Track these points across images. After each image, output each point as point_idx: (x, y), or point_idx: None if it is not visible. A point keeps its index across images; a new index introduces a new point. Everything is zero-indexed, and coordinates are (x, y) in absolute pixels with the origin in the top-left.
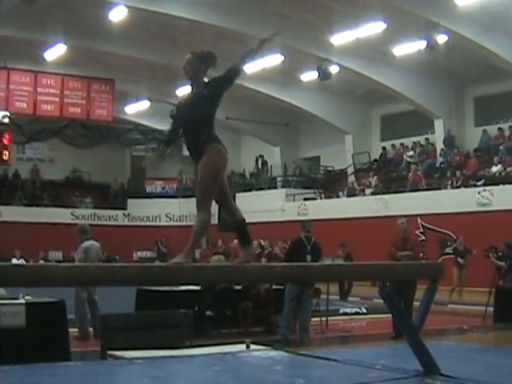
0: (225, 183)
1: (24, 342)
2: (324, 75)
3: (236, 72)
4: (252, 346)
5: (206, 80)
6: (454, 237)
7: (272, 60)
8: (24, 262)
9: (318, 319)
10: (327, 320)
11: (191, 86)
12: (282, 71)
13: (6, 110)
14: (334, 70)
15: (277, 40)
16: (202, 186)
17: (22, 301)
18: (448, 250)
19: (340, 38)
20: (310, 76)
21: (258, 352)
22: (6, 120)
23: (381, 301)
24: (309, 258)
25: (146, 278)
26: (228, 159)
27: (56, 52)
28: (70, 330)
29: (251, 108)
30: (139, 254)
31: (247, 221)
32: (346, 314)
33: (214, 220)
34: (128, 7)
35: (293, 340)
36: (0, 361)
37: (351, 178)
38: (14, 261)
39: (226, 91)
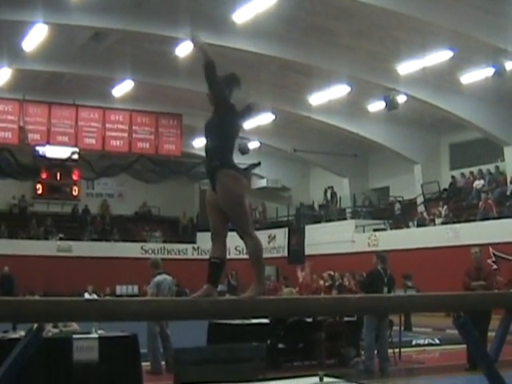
0: (230, 217)
1: (97, 377)
2: (391, 105)
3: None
4: (325, 379)
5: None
6: None
7: (339, 91)
8: (96, 297)
9: (391, 351)
10: (400, 351)
11: None
12: (349, 102)
13: (76, 146)
14: (401, 99)
15: (343, 71)
16: (233, 216)
17: (95, 335)
18: None
19: (407, 68)
20: (377, 106)
21: None
22: (76, 156)
23: (454, 331)
24: (385, 290)
25: (218, 312)
26: (244, 182)
27: (124, 88)
28: (143, 363)
29: (319, 139)
30: None
31: (317, 252)
32: (418, 345)
33: (284, 253)
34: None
35: (373, 371)
36: None
37: (421, 208)
38: (87, 295)
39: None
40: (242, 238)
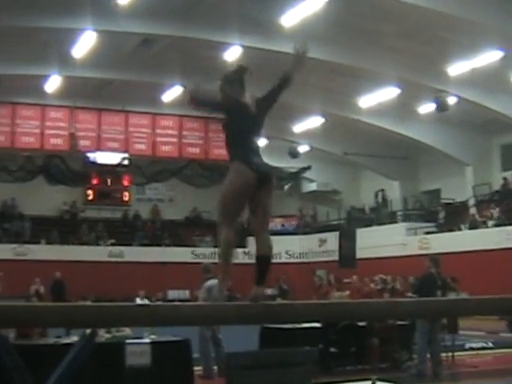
0: (264, 204)
1: (149, 381)
2: (441, 107)
3: (277, 93)
4: (378, 383)
5: (247, 99)
6: None
7: (388, 93)
8: (148, 302)
9: (444, 354)
10: (453, 355)
11: None
12: (399, 104)
13: (126, 152)
14: (451, 100)
15: (392, 73)
16: (219, 205)
17: (147, 340)
18: None
19: (456, 69)
20: (427, 108)
21: None
22: (126, 162)
23: (508, 335)
24: (439, 293)
25: (270, 316)
26: (249, 178)
27: (173, 94)
28: (195, 368)
29: (369, 142)
30: None
31: (368, 256)
32: (472, 348)
33: (335, 256)
34: (243, 46)
35: (427, 375)
36: None
37: (472, 210)
38: (138, 301)
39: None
40: (218, 228)
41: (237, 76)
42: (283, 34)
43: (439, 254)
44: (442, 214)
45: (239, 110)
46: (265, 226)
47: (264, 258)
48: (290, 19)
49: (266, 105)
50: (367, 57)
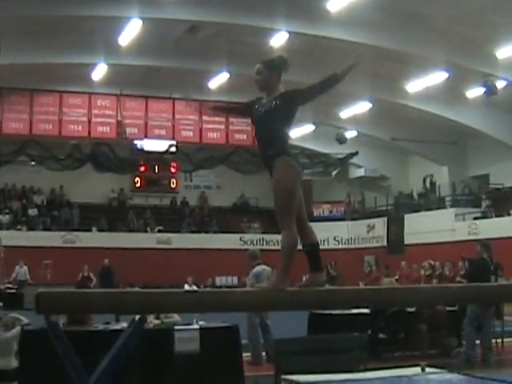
0: (302, 203)
1: (198, 367)
2: (490, 91)
3: (319, 91)
4: (427, 369)
5: (281, 89)
6: None
7: (436, 78)
8: (196, 288)
9: (494, 341)
10: (503, 341)
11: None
12: (447, 89)
13: (173, 139)
14: (500, 84)
15: (440, 57)
16: (278, 204)
17: (196, 326)
18: None
19: (505, 52)
20: (475, 92)
21: (434, 375)
22: (173, 149)
23: None
24: (493, 278)
25: (319, 302)
26: (300, 172)
27: (219, 80)
28: (243, 354)
29: (417, 128)
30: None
31: (417, 242)
32: None
33: (383, 242)
34: (289, 32)
35: (475, 361)
36: None
37: None
38: (187, 287)
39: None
40: (279, 227)
41: (278, 64)
42: (330, 20)
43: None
44: (487, 202)
45: (295, 100)
46: (306, 217)
47: (317, 245)
48: (336, 4)
49: (297, 99)
50: (414, 41)
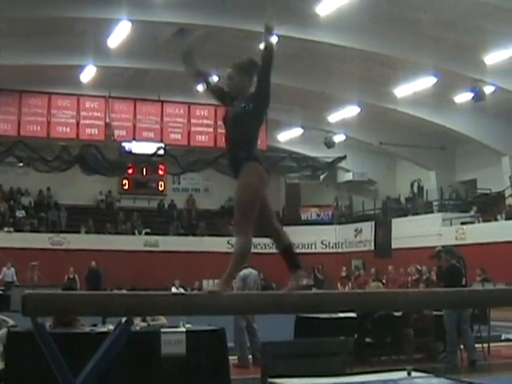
0: (267, 204)
1: (185, 370)
2: (478, 96)
3: (265, 70)
4: (413, 373)
5: (252, 91)
6: None
7: (424, 83)
8: (183, 291)
9: (480, 345)
10: (489, 346)
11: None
12: (435, 94)
13: (161, 141)
14: (488, 90)
15: (429, 62)
16: (238, 208)
17: (182, 329)
18: None
19: (494, 58)
20: (463, 98)
21: (420, 379)
22: (162, 152)
23: None
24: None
25: (305, 305)
26: (267, 179)
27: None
28: (230, 357)
29: (405, 132)
30: None
31: (404, 246)
32: (508, 339)
33: (371, 246)
34: (278, 36)
35: (457, 366)
36: None
37: (509, 201)
38: (174, 290)
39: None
40: (234, 231)
41: (249, 67)
42: (319, 24)
43: (476, 244)
44: (475, 206)
45: (264, 104)
46: (277, 221)
47: (291, 246)
48: (325, 8)
49: (259, 99)
50: (403, 46)
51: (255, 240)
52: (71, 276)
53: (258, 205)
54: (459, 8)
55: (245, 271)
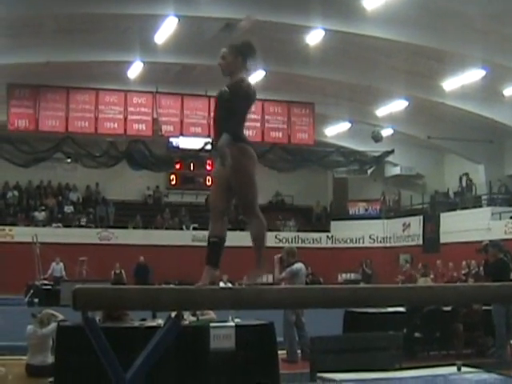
0: (239, 194)
1: (234, 365)
2: None
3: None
4: (463, 369)
5: (242, 77)
6: None
7: (473, 76)
8: (231, 286)
9: None
10: None
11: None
12: (484, 87)
13: (209, 136)
14: None
15: (477, 55)
16: (245, 193)
17: (231, 323)
18: None
19: None
20: None
21: (470, 374)
22: (209, 147)
23: None
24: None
25: (357, 299)
26: (255, 157)
27: (255, 78)
28: (279, 352)
29: (453, 126)
30: (344, 275)
31: (452, 240)
32: None
33: (419, 241)
34: (325, 30)
35: (507, 361)
36: (211, 383)
37: None
38: (222, 285)
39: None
40: (246, 217)
41: (243, 49)
42: (366, 17)
43: None
44: None
45: (249, 88)
46: (229, 209)
47: (220, 240)
48: (372, 2)
49: (233, 99)
50: (451, 39)
51: (302, 234)
52: (117, 271)
53: (256, 184)
54: (507, 1)
55: (296, 265)
